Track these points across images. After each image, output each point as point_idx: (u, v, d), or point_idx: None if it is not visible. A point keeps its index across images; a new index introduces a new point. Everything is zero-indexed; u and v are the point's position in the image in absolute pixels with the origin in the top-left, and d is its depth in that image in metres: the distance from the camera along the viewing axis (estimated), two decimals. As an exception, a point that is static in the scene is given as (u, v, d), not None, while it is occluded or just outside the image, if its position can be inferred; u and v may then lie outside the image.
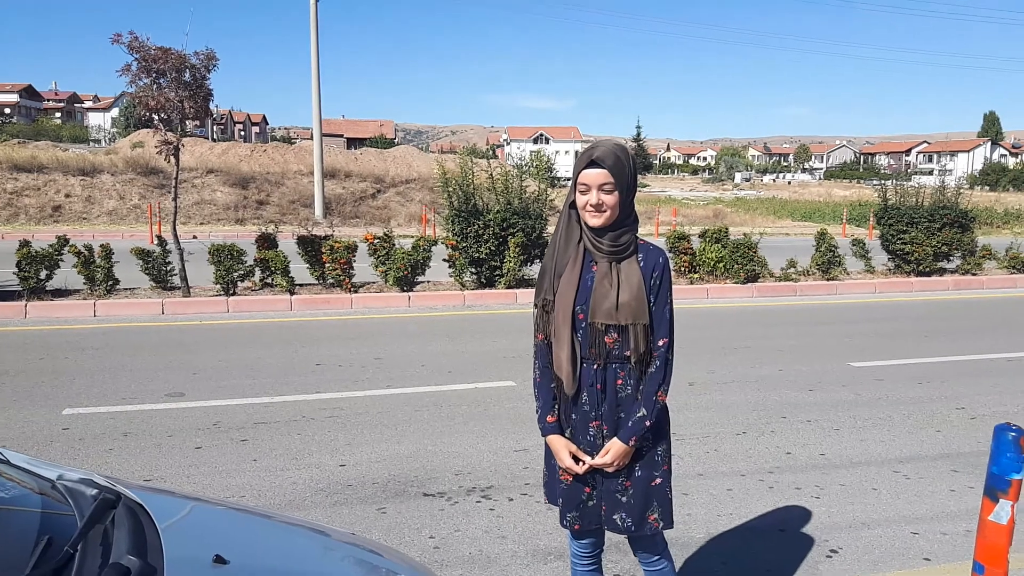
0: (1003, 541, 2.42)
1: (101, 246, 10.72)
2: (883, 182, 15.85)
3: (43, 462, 1.99)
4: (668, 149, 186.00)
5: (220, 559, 1.55)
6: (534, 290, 2.57)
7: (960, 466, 4.98)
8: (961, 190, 15.06)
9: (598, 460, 2.44)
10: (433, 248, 11.73)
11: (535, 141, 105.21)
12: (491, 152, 67.07)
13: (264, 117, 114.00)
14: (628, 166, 2.39)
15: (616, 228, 2.41)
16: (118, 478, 2.03)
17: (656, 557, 2.62)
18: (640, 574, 2.71)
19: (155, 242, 11.41)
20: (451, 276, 12.12)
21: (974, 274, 14.30)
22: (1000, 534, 2.42)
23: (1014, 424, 2.39)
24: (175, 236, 10.78)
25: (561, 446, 2.49)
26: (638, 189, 2.57)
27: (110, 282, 10.54)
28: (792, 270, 13.32)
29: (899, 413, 6.11)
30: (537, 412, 2.57)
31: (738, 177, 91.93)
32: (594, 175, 2.35)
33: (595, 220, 2.38)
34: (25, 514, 1.68)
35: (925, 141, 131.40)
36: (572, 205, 2.46)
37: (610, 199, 2.36)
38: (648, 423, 2.41)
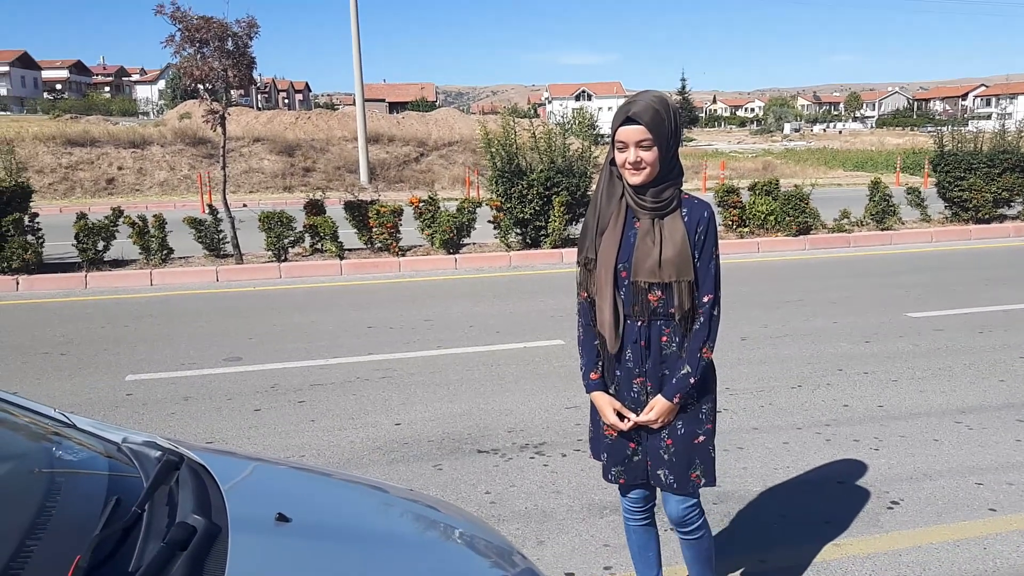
0: (1075, 490, 2.35)
1: (154, 216, 10.94)
2: (939, 128, 15.32)
3: (108, 425, 2.04)
4: (714, 101, 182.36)
5: (283, 517, 1.57)
6: (577, 249, 2.53)
7: (1025, 416, 4.84)
8: (1022, 134, 14.47)
9: (642, 417, 2.42)
10: (478, 210, 11.71)
11: (577, 98, 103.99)
12: (533, 111, 66.51)
13: (307, 84, 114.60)
14: (668, 119, 2.30)
15: (658, 184, 2.34)
16: (181, 440, 2.07)
17: (694, 526, 2.58)
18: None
19: (206, 211, 11.60)
20: (496, 237, 12.11)
21: (1037, 220, 13.80)
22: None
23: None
24: (226, 205, 10.94)
25: (605, 403, 2.48)
26: (683, 143, 2.50)
27: (165, 251, 10.76)
28: (845, 221, 13.00)
29: (959, 363, 5.96)
30: (581, 369, 2.56)
31: (787, 128, 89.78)
32: (631, 132, 2.28)
33: (635, 178, 2.32)
34: (94, 476, 1.73)
35: (983, 84, 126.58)
36: (613, 162, 2.39)
37: (649, 156, 2.29)
38: (692, 380, 2.38)
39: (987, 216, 13.64)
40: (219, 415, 5.16)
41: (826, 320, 7.38)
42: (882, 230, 13.07)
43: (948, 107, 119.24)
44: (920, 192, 13.95)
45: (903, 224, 13.46)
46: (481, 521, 2.30)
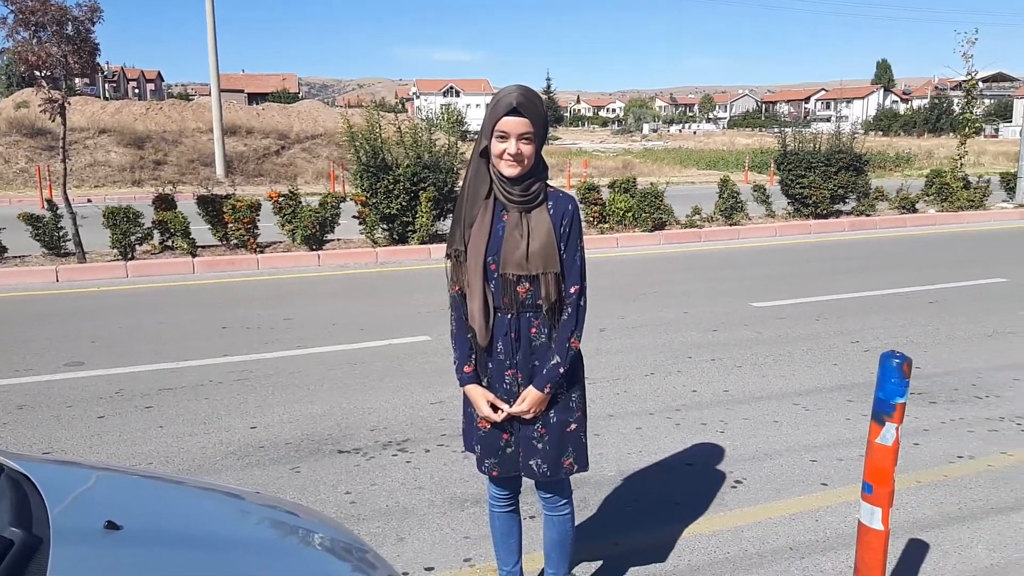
0: (889, 462, 2.56)
1: (-16, 213, 10.11)
2: (783, 129, 16.30)
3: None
4: (578, 101, 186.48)
5: (112, 525, 1.49)
6: (446, 242, 2.53)
7: (855, 396, 5.25)
8: (856, 135, 15.64)
9: (515, 408, 2.46)
10: (342, 205, 11.49)
11: (445, 94, 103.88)
12: (400, 106, 65.85)
13: (159, 73, 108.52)
14: (544, 115, 2.35)
15: (528, 178, 2.37)
16: (3, 450, 1.93)
17: (562, 501, 2.68)
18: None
19: (45, 207, 10.82)
20: (362, 233, 11.93)
21: (868, 215, 14.95)
22: (886, 455, 2.56)
23: (898, 352, 2.52)
24: (66, 200, 10.24)
25: (479, 395, 2.50)
26: (548, 141, 2.55)
27: (-3, 250, 9.96)
28: (697, 217, 13.63)
29: (798, 349, 6.38)
30: (455, 363, 2.57)
31: (646, 128, 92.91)
32: (515, 123, 2.28)
33: (512, 170, 2.33)
34: None
35: (823, 89, 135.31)
36: (483, 153, 2.39)
37: (528, 149, 2.32)
38: (562, 370, 2.43)
39: (825, 211, 14.64)
40: (58, 423, 4.83)
41: (678, 311, 7.72)
42: (730, 225, 13.79)
43: (793, 109, 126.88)
44: (766, 189, 14.82)
45: (750, 219, 14.25)
46: (335, 522, 2.27)
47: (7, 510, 1.44)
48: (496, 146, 2.33)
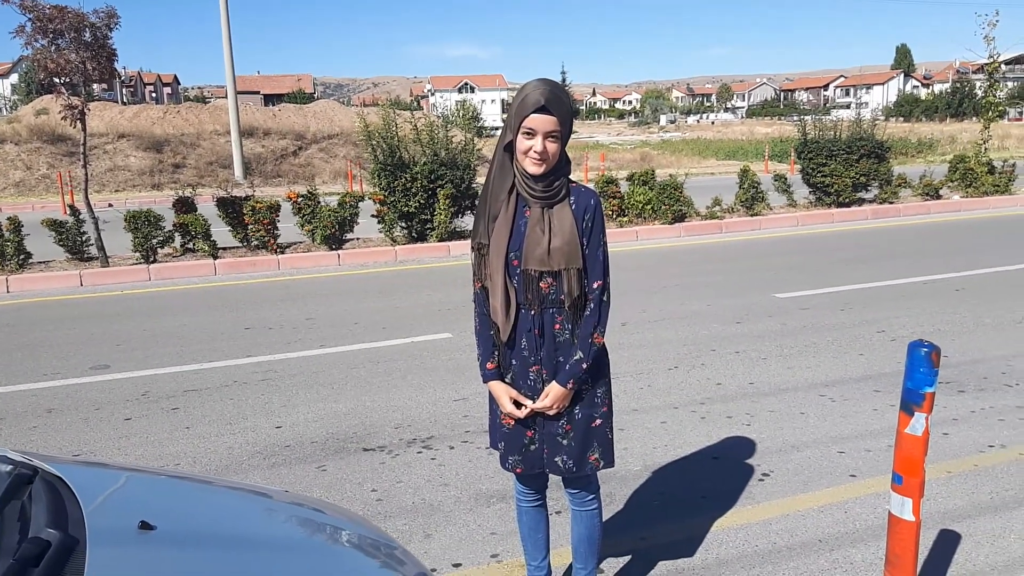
0: (919, 452, 2.53)
1: (9, 219, 10.24)
2: (802, 117, 16.19)
3: (-47, 442, 1.90)
4: (594, 94, 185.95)
5: (146, 525, 1.50)
6: (470, 236, 2.53)
7: (882, 386, 5.19)
8: (876, 122, 15.46)
9: (538, 404, 2.45)
10: (361, 204, 11.53)
11: (460, 91, 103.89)
12: (415, 103, 65.97)
13: (175, 77, 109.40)
14: (570, 111, 2.33)
15: (551, 174, 2.36)
16: (36, 453, 1.95)
17: (590, 496, 2.67)
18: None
19: (68, 212, 10.94)
20: (381, 232, 11.96)
21: (891, 202, 14.78)
22: (916, 445, 2.53)
23: (927, 341, 2.49)
24: (88, 205, 10.35)
25: (502, 391, 2.49)
26: None
27: (22, 256, 10.10)
28: (717, 208, 13.55)
29: (824, 339, 6.32)
30: (478, 360, 2.56)
31: (663, 119, 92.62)
32: (543, 121, 2.26)
33: (537, 168, 2.31)
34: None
35: (842, 75, 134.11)
36: (507, 147, 2.37)
37: (554, 147, 2.30)
38: (585, 365, 2.42)
39: (847, 200, 14.50)
40: (86, 426, 4.89)
41: (700, 303, 7.68)
42: (751, 216, 13.69)
43: (812, 97, 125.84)
44: (787, 179, 14.69)
45: (771, 209, 14.14)
46: (363, 519, 2.27)
47: (43, 512, 1.46)
48: (522, 143, 2.31)
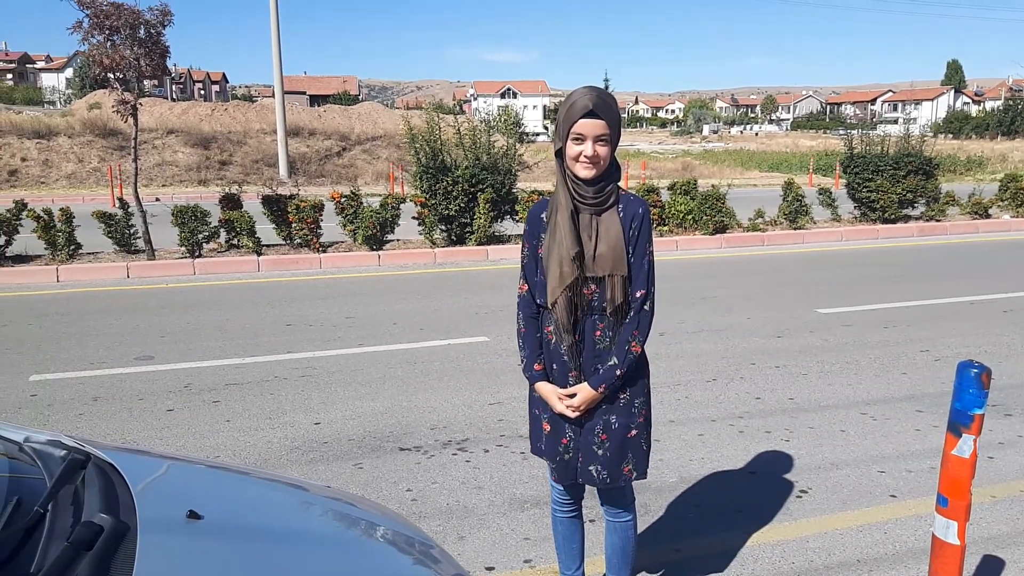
0: (966, 474, 2.48)
1: (61, 210, 10.49)
2: (849, 131, 15.96)
3: (9, 425, 1.95)
4: (636, 102, 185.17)
5: (194, 514, 1.53)
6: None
7: (924, 406, 5.09)
8: (925, 138, 15.19)
9: (563, 392, 2.45)
10: (402, 206, 11.62)
11: (502, 96, 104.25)
12: (458, 107, 66.29)
13: (224, 75, 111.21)
14: (618, 116, 2.34)
15: (601, 179, 2.37)
16: (87, 439, 2.00)
17: (622, 511, 2.66)
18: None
19: (117, 205, 11.18)
20: (421, 234, 12.05)
21: (938, 220, 14.51)
22: (963, 467, 2.48)
23: (976, 361, 2.44)
24: (137, 198, 10.58)
25: (549, 392, 2.49)
26: None
27: (72, 247, 10.34)
28: (760, 220, 13.41)
29: (866, 357, 6.22)
30: (522, 362, 2.57)
31: (706, 129, 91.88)
32: (592, 126, 2.27)
33: (588, 172, 2.32)
34: (-7, 477, 1.65)
35: (890, 90, 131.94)
36: (557, 154, 2.38)
37: (604, 151, 2.31)
38: (619, 372, 2.41)
39: (893, 216, 14.26)
40: (130, 415, 4.99)
41: (740, 316, 7.60)
42: (795, 229, 13.52)
43: (858, 111, 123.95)
44: (831, 193, 14.50)
45: (815, 223, 13.96)
46: (401, 517, 2.29)
47: (96, 497, 1.49)
48: (572, 148, 2.32)
